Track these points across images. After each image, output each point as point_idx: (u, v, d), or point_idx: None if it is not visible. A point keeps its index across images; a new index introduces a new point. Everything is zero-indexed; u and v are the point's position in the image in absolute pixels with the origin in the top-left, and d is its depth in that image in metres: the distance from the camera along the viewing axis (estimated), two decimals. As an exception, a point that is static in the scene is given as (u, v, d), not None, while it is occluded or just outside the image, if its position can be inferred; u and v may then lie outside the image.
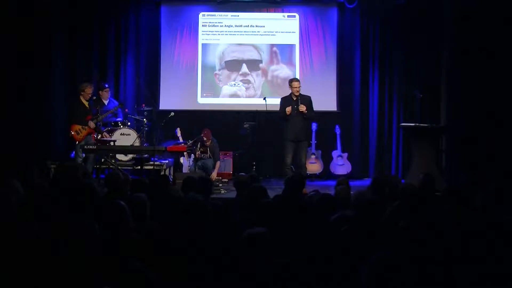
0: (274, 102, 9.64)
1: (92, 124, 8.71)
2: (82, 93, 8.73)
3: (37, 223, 3.69)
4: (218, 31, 10.40)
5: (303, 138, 8.67)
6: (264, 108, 9.26)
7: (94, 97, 9.12)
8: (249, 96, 10.40)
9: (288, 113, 8.48)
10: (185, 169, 9.30)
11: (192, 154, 9.10)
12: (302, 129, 8.62)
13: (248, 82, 10.41)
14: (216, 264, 3.30)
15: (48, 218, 4.06)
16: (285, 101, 8.70)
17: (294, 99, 8.59)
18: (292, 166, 8.85)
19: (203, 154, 9.12)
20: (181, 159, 9.47)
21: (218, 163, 9.23)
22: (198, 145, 9.11)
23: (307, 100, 8.63)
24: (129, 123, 9.49)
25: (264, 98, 9.38)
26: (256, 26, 10.42)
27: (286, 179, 5.86)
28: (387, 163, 10.20)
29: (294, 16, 10.40)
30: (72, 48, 9.98)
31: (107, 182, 5.59)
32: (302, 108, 8.48)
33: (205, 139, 9.08)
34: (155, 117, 9.64)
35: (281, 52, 10.42)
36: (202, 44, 10.38)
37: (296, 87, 8.61)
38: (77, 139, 8.63)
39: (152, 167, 8.93)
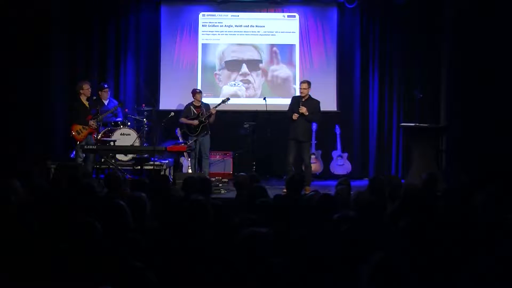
0: (274, 102, 9.66)
1: (93, 123, 8.70)
2: (81, 91, 8.71)
3: (37, 223, 3.69)
4: (218, 31, 10.39)
5: (305, 139, 8.70)
6: (264, 108, 9.26)
7: (94, 97, 9.11)
8: (249, 96, 10.40)
9: (295, 118, 8.54)
10: (185, 169, 9.30)
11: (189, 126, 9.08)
12: (303, 130, 8.65)
13: (248, 82, 10.41)
14: (216, 264, 3.30)
15: (48, 218, 4.06)
16: (294, 100, 8.82)
17: (303, 100, 8.65)
18: (293, 167, 8.87)
19: (200, 117, 9.05)
20: (181, 159, 9.47)
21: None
22: (192, 110, 9.11)
23: (313, 104, 8.68)
24: (129, 123, 9.48)
25: (264, 98, 9.38)
26: (256, 26, 10.41)
27: (286, 179, 5.86)
28: (387, 163, 10.20)
29: (294, 16, 10.40)
30: (72, 48, 9.98)
31: (107, 182, 5.59)
32: (302, 110, 8.52)
33: (197, 98, 9.16)
34: (155, 117, 9.64)
35: (281, 52, 10.41)
36: (202, 44, 10.37)
37: (301, 88, 8.74)
38: (78, 139, 8.63)
39: (152, 167, 8.92)
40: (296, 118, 8.54)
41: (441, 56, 9.72)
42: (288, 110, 8.79)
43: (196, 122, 9.06)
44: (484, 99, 8.50)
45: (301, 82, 8.87)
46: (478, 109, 8.56)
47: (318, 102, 8.74)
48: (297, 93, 9.10)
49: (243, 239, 3.16)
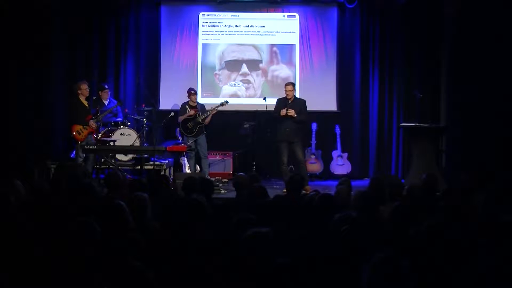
0: (274, 102, 9.64)
1: (93, 123, 8.69)
2: (79, 91, 8.70)
3: (33, 223, 3.69)
4: (218, 31, 10.40)
5: (295, 139, 8.71)
6: (264, 108, 9.26)
7: (94, 97, 9.11)
8: (249, 96, 10.40)
9: (282, 114, 8.54)
10: (185, 169, 9.30)
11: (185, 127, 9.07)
12: (293, 130, 8.67)
13: (248, 82, 10.41)
14: (216, 264, 3.30)
15: (48, 218, 4.06)
16: (280, 102, 8.83)
17: (290, 102, 8.68)
18: (292, 166, 8.88)
19: (198, 118, 9.04)
20: (181, 159, 9.47)
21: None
22: (186, 109, 9.10)
23: (299, 104, 8.71)
24: (129, 123, 9.48)
25: (264, 98, 9.38)
26: (256, 26, 10.42)
27: (286, 179, 5.87)
28: (387, 163, 10.20)
29: (294, 16, 10.40)
30: (72, 48, 9.98)
31: (107, 182, 5.59)
32: (291, 112, 8.55)
33: (192, 98, 9.14)
34: (155, 117, 9.63)
35: (281, 52, 10.42)
36: (202, 44, 10.38)
37: (286, 91, 8.74)
38: (78, 139, 8.62)
39: (152, 167, 8.92)
40: (284, 114, 8.54)
41: (441, 56, 9.72)
42: (274, 111, 8.79)
43: (192, 112, 9.03)
44: (484, 99, 8.50)
45: (286, 84, 8.87)
46: (478, 109, 8.55)
47: (304, 101, 8.79)
48: (297, 94, 9.08)
49: (245, 238, 3.16)
